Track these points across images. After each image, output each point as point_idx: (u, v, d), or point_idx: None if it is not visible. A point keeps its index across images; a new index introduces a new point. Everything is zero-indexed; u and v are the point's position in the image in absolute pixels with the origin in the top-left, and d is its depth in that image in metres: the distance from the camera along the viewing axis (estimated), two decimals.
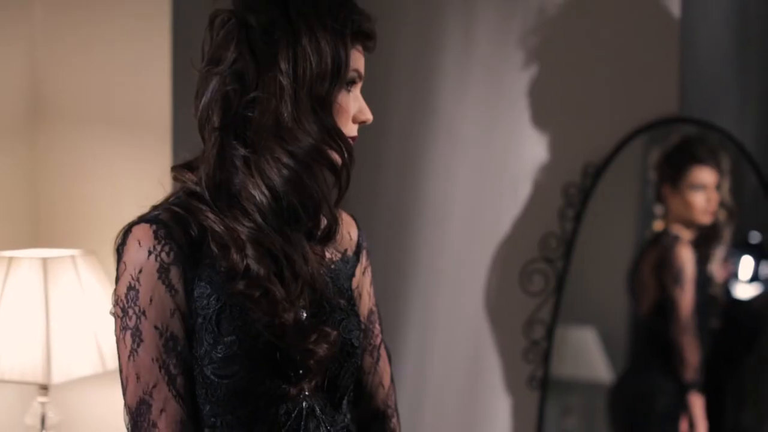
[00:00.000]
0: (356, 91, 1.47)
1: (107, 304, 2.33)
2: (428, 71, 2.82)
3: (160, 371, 1.36)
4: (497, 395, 2.76)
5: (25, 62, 2.60)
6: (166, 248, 1.37)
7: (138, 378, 1.36)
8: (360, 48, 1.46)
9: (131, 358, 1.37)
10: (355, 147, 1.46)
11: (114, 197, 2.53)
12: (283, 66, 1.38)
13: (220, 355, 1.36)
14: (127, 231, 1.39)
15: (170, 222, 1.39)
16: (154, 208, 1.43)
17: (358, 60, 1.45)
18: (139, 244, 1.37)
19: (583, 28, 2.69)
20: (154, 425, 1.36)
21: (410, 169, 2.85)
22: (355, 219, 1.62)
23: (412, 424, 2.75)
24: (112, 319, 2.38)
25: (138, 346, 1.36)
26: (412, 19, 2.82)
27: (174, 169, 1.47)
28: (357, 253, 1.60)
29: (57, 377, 2.24)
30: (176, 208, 1.41)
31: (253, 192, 1.39)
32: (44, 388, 2.33)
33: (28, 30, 2.60)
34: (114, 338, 1.42)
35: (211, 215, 1.39)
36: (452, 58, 2.79)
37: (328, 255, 1.51)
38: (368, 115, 1.48)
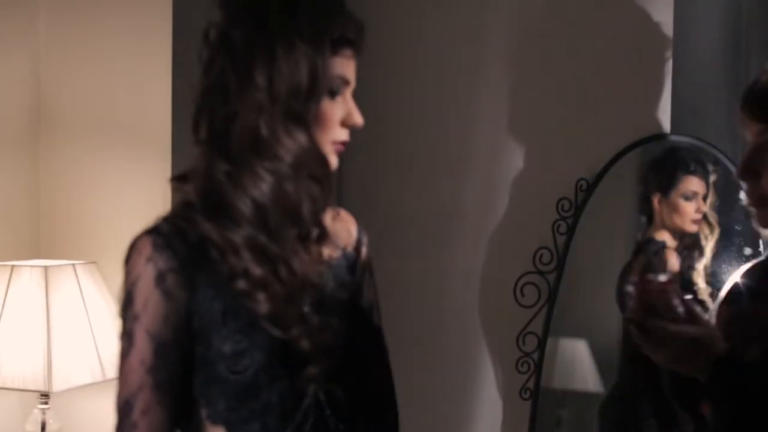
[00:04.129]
0: (344, 96, 1.46)
1: (108, 313, 2.37)
2: (426, 85, 2.85)
3: (147, 375, 1.40)
4: (490, 405, 2.78)
5: (28, 74, 2.63)
6: (164, 257, 1.42)
7: (126, 379, 1.41)
8: (348, 53, 1.46)
9: (123, 360, 1.42)
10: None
11: (115, 208, 2.55)
12: (260, 81, 1.39)
13: (229, 353, 1.41)
14: (132, 243, 1.45)
15: (170, 232, 1.44)
16: (158, 219, 1.48)
17: (343, 66, 1.45)
18: (139, 254, 1.43)
19: (577, 46, 2.72)
20: (135, 426, 1.40)
21: (407, 181, 2.88)
22: (354, 216, 1.65)
23: (404, 431, 2.77)
24: (112, 328, 2.42)
25: (129, 349, 1.42)
26: (421, 29, 2.84)
27: (172, 180, 1.51)
28: (357, 249, 1.63)
29: (57, 385, 2.27)
30: (176, 219, 1.46)
31: (238, 204, 1.42)
32: (45, 396, 2.36)
33: (31, 42, 2.63)
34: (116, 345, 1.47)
35: (206, 224, 1.44)
36: (455, 74, 2.82)
37: (327, 252, 1.54)
38: (357, 120, 1.48)
